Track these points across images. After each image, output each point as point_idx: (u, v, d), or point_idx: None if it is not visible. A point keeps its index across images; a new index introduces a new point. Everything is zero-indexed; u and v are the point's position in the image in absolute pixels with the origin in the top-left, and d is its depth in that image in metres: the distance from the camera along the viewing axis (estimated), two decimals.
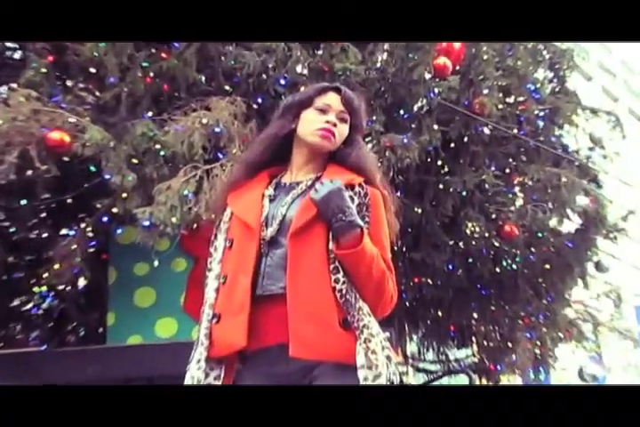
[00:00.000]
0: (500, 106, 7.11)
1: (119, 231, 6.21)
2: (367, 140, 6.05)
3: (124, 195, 5.18)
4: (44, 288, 7.54)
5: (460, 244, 8.09)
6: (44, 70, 5.30)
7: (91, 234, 5.96)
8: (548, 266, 8.04)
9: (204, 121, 5.29)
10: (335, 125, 2.35)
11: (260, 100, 6.11)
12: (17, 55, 6.53)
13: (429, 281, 8.20)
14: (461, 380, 10.81)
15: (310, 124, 2.36)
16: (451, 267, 7.95)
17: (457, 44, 6.37)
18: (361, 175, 2.34)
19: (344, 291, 2.11)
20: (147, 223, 4.93)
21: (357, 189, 2.28)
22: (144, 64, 5.60)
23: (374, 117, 6.22)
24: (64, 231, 7.13)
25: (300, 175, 2.39)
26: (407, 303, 8.43)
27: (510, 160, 7.90)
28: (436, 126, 6.62)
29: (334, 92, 2.42)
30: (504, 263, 8.20)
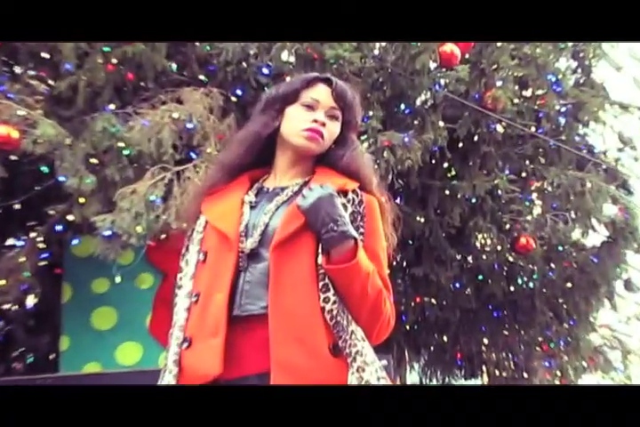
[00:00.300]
0: (516, 100, 7.14)
1: (75, 242, 6.16)
2: (363, 138, 6.07)
3: (82, 200, 5.17)
4: None
5: (469, 258, 8.12)
6: None
7: (42, 245, 5.94)
8: (569, 284, 8.07)
9: (175, 115, 5.29)
10: (324, 125, 2.35)
11: (239, 92, 6.11)
12: None
13: (433, 301, 8.21)
14: None
15: (295, 124, 2.37)
16: (458, 285, 7.98)
17: None
18: (355, 180, 2.35)
19: (334, 312, 2.11)
20: (107, 233, 4.92)
21: (351, 195, 2.30)
22: (105, 49, 5.58)
23: (371, 113, 6.24)
24: (11, 242, 7.09)
25: (285, 180, 2.41)
26: (407, 327, 8.45)
27: (527, 163, 7.93)
28: (441, 123, 6.65)
29: (324, 85, 2.43)
30: (519, 281, 8.23)
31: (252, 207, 2.33)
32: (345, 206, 2.23)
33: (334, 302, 2.12)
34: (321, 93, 2.40)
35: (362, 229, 2.25)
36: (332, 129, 2.40)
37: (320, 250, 2.16)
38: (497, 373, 9.09)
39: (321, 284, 2.13)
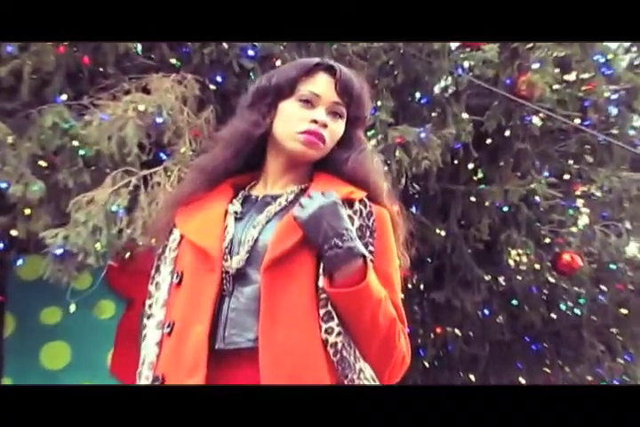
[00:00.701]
0: (557, 86, 7.16)
1: (20, 263, 6.20)
2: (370, 134, 6.06)
3: (27, 211, 5.18)
4: None
5: (501, 279, 8.12)
6: None
7: None
8: (624, 311, 8.07)
9: (141, 108, 5.30)
10: (325, 126, 2.33)
11: (219, 79, 6.12)
12: None
13: (457, 332, 8.22)
14: None
15: (291, 124, 2.34)
16: (487, 312, 7.98)
17: None
18: (362, 188, 2.33)
19: (339, 346, 2.10)
20: (59, 251, 4.92)
21: (358, 206, 2.28)
22: None
23: (379, 103, 6.25)
24: None
25: (277, 187, 2.40)
26: (426, 363, 8.45)
27: (570, 162, 7.94)
28: (465, 115, 6.66)
29: (326, 74, 2.39)
30: (562, 307, 8.24)
31: (237, 219, 2.32)
32: (351, 219, 2.21)
33: (339, 334, 2.11)
34: (322, 86, 2.37)
35: (371, 247, 2.24)
36: (335, 129, 2.37)
37: (322, 270, 2.15)
38: None
39: (322, 311, 2.12)
